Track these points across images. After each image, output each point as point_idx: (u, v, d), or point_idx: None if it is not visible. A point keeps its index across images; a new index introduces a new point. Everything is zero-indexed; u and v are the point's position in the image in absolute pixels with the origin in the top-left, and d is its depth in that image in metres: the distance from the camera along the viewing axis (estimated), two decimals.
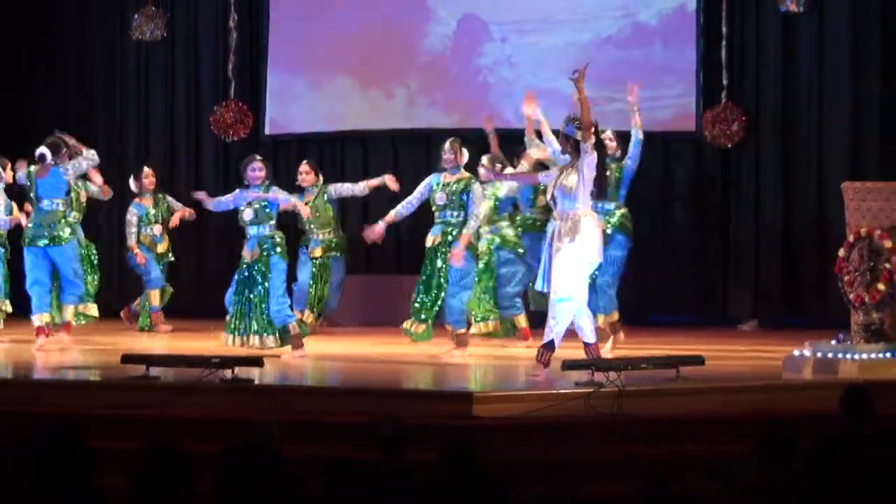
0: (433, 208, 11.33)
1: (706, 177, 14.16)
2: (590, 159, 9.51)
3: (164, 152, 15.18)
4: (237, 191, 11.15)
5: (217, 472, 5.62)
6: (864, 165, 13.25)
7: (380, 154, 14.73)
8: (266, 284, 10.80)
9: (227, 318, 11.01)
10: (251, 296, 10.85)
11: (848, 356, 9.23)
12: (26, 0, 15.67)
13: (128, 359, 9.38)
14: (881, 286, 9.53)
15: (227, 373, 8.90)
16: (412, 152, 14.65)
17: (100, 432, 7.62)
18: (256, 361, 9.15)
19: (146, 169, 13.48)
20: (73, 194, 12.18)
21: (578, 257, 9.48)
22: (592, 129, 9.48)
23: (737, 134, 13.79)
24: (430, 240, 11.27)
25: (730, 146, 13.87)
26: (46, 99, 15.63)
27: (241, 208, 10.96)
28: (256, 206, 10.90)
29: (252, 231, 10.92)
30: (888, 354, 9.29)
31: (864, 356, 9.23)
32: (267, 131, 15.05)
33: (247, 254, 10.91)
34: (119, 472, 5.68)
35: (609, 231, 11.03)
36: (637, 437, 8.13)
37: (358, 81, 14.81)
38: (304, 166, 13.05)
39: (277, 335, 10.83)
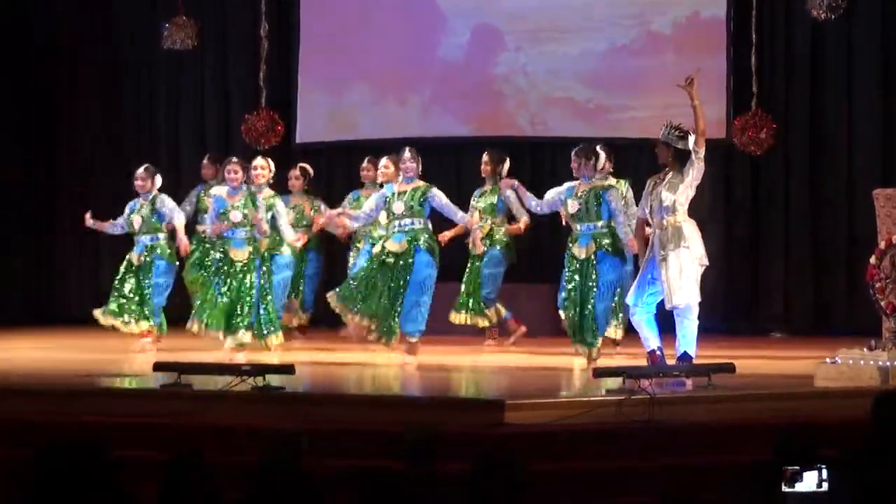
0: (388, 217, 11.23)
1: (735, 183, 14.12)
2: (699, 166, 9.79)
3: (195, 161, 15.20)
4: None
5: (245, 481, 5.63)
6: (895, 172, 13.18)
7: None
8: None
9: None
10: None
11: (880, 363, 9.18)
12: (54, 11, 15.73)
13: (160, 366, 9.37)
14: None
15: (259, 380, 8.90)
16: (427, 162, 14.48)
17: (130, 441, 7.68)
18: (288, 369, 9.14)
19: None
20: None
21: (687, 262, 9.74)
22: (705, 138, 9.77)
23: (766, 141, 13.75)
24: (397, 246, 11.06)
25: (759, 153, 13.83)
26: (73, 113, 15.69)
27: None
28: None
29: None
30: None
31: None
32: (298, 139, 15.07)
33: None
34: (149, 481, 5.70)
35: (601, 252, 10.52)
36: (669, 444, 8.10)
37: (375, 90, 14.81)
38: None
39: None
